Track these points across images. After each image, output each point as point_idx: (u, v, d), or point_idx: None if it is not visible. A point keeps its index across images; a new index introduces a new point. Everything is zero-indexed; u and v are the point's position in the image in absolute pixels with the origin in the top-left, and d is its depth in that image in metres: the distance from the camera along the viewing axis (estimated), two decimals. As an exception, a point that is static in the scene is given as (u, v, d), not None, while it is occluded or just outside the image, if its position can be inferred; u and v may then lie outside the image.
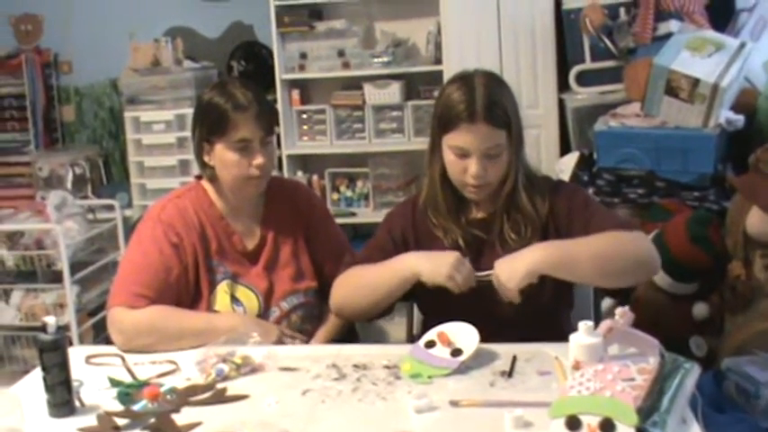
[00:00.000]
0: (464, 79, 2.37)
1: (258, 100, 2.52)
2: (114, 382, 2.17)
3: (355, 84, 4.95)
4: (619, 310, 2.10)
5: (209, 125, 2.51)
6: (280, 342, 2.49)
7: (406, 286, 2.35)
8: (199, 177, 2.67)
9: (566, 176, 3.68)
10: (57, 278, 4.36)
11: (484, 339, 2.19)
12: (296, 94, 5.04)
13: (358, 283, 2.43)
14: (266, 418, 1.96)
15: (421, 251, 2.38)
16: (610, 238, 2.28)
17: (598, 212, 2.42)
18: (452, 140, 2.33)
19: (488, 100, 2.29)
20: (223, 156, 2.50)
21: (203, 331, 2.41)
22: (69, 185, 5.28)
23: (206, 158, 2.56)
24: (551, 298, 2.37)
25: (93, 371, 2.30)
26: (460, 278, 2.25)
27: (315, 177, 5.10)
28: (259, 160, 2.50)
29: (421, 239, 2.47)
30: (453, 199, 2.45)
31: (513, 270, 2.21)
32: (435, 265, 2.27)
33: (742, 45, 3.39)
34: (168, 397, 2.07)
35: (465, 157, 2.32)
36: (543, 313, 2.36)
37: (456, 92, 2.33)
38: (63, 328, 2.20)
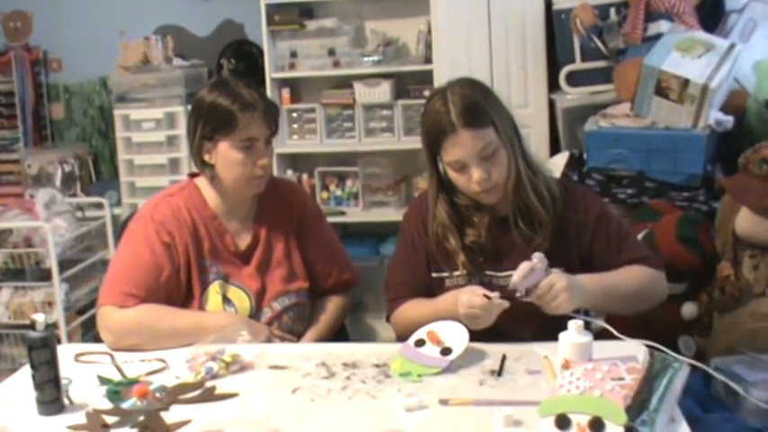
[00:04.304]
0: (438, 94, 2.38)
1: (263, 99, 2.53)
2: (103, 380, 2.17)
3: (345, 83, 4.94)
4: (536, 255, 2.22)
5: (214, 124, 2.48)
6: (269, 342, 2.48)
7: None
8: (192, 175, 2.66)
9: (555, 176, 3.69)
10: (45, 276, 4.35)
11: (492, 336, 2.24)
12: (286, 92, 5.03)
13: (418, 323, 2.36)
14: (256, 416, 1.96)
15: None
16: (640, 283, 2.42)
17: (627, 239, 2.49)
18: (446, 157, 2.33)
19: (462, 106, 2.30)
20: (227, 154, 2.49)
21: (193, 330, 2.41)
22: (58, 183, 5.26)
23: (206, 157, 2.53)
24: None
25: (83, 369, 2.30)
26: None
27: (304, 176, 5.09)
28: (264, 160, 2.50)
29: (438, 258, 2.48)
30: (454, 215, 2.45)
31: (572, 295, 2.20)
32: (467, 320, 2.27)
33: (732, 46, 3.40)
34: (157, 395, 2.07)
35: (465, 168, 2.32)
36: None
37: (432, 109, 2.35)
38: (51, 326, 2.20)
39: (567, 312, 2.19)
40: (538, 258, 2.21)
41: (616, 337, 2.19)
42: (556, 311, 2.20)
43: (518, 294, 2.21)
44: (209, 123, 2.50)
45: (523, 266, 2.19)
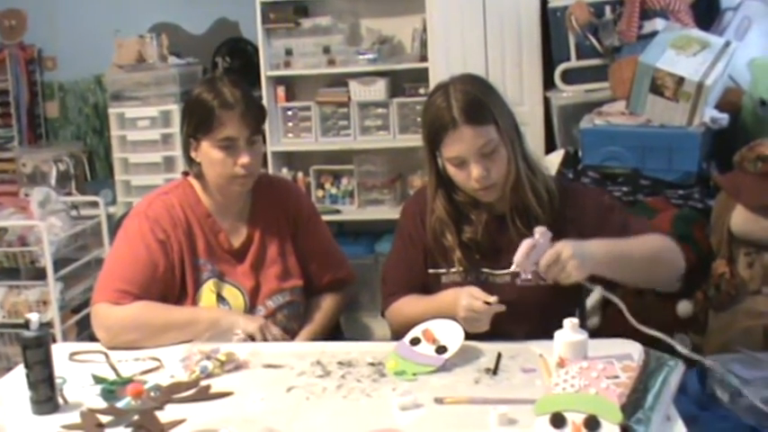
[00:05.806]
0: (440, 89, 2.36)
1: (245, 99, 2.49)
2: (98, 379, 2.16)
3: (341, 81, 4.94)
4: (538, 229, 2.16)
5: (196, 121, 2.48)
6: (263, 331, 2.46)
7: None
8: (186, 174, 2.65)
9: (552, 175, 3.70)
10: (40, 275, 4.33)
11: (488, 335, 2.24)
12: (281, 90, 5.03)
13: (414, 320, 2.35)
14: (250, 415, 1.96)
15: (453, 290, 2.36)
16: (656, 247, 2.33)
17: (632, 216, 2.46)
18: (446, 153, 2.32)
19: (464, 102, 2.28)
20: (208, 153, 2.48)
21: (187, 324, 2.41)
22: (53, 182, 5.26)
23: (193, 155, 2.54)
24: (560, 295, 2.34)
25: (77, 368, 2.29)
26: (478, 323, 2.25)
27: (300, 174, 5.09)
28: (244, 159, 2.47)
29: (435, 254, 2.47)
30: (452, 211, 2.44)
31: (581, 262, 2.12)
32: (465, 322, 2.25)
33: (727, 44, 3.40)
34: (152, 394, 2.06)
35: (464, 165, 2.30)
36: (551, 308, 2.29)
37: (434, 104, 2.33)
38: (46, 325, 2.19)
39: (580, 280, 2.13)
40: (540, 233, 2.16)
41: (611, 336, 2.19)
42: (567, 281, 2.14)
43: (523, 276, 2.18)
44: (192, 121, 2.51)
45: (525, 244, 2.14)
